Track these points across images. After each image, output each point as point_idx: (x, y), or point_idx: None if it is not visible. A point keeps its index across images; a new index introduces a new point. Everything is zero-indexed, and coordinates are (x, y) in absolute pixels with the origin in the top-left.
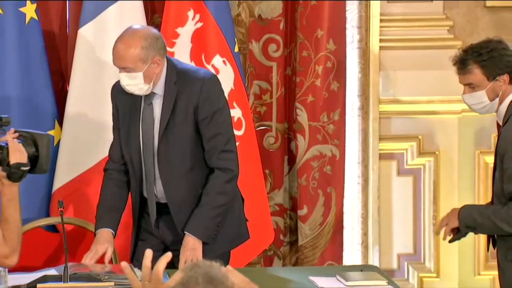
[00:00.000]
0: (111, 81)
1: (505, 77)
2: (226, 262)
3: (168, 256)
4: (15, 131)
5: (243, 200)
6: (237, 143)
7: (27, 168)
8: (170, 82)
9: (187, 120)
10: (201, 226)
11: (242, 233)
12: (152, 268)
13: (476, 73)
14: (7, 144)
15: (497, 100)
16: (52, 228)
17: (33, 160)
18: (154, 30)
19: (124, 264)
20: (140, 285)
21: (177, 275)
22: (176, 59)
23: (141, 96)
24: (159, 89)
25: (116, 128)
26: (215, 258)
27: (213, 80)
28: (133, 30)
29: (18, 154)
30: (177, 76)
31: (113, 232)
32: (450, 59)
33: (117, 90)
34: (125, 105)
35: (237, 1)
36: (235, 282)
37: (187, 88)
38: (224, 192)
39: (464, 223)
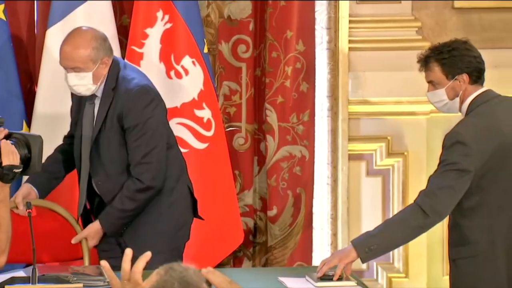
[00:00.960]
0: None
1: (465, 76)
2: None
3: (147, 255)
4: (9, 133)
5: (195, 201)
6: (206, 144)
7: (20, 170)
8: (109, 86)
9: (113, 127)
10: (108, 221)
11: (181, 235)
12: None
13: (436, 71)
14: None
15: (457, 99)
16: None
17: (26, 161)
18: (100, 31)
19: (103, 263)
20: (120, 284)
21: (153, 277)
22: (126, 61)
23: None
24: (99, 91)
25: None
26: (154, 255)
27: (140, 93)
28: (82, 31)
29: (10, 156)
30: (116, 82)
31: (35, 190)
32: (416, 57)
33: None
34: (77, 101)
35: (206, 2)
36: (216, 282)
37: (119, 97)
38: (134, 199)
39: (362, 248)
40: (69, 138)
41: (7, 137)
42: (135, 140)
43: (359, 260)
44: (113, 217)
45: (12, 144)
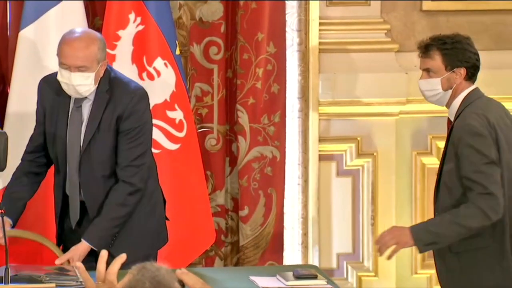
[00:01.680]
0: None
1: (462, 70)
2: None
3: (122, 257)
4: None
5: (165, 202)
6: (178, 145)
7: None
8: (102, 89)
9: (110, 129)
10: (96, 235)
11: (162, 237)
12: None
13: (437, 59)
14: None
15: (450, 92)
16: None
17: None
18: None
19: (78, 264)
20: (94, 285)
21: (126, 277)
22: (108, 64)
23: (69, 97)
24: (92, 93)
25: (40, 124)
26: (138, 261)
27: (143, 96)
28: (88, 31)
29: None
30: (109, 84)
31: (11, 222)
32: (417, 44)
33: (47, 88)
34: (53, 104)
35: (178, 4)
36: (189, 284)
37: (117, 99)
38: (125, 204)
39: (422, 243)
40: (32, 154)
41: None
42: (130, 143)
43: (331, 260)
44: (102, 230)
45: None
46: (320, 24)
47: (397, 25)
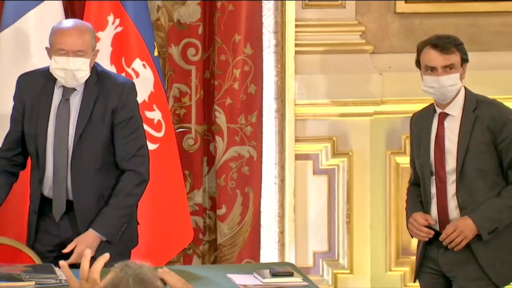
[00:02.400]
0: None
1: (466, 65)
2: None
3: (105, 256)
4: None
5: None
6: (157, 145)
7: None
8: (91, 81)
9: (104, 122)
10: (106, 224)
11: (134, 237)
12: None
13: (457, 55)
14: None
15: (460, 86)
16: None
17: None
18: None
19: (62, 263)
20: (78, 284)
21: (109, 275)
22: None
23: (52, 90)
24: (81, 85)
25: (16, 121)
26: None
27: (133, 88)
28: (80, 21)
29: None
30: (98, 77)
31: None
32: (428, 42)
33: (27, 83)
34: (34, 100)
35: (156, 6)
36: (171, 282)
37: (107, 91)
38: (133, 194)
39: (486, 231)
40: (8, 152)
41: None
42: (131, 133)
43: (307, 258)
44: (112, 219)
45: None
46: (296, 26)
47: (372, 27)
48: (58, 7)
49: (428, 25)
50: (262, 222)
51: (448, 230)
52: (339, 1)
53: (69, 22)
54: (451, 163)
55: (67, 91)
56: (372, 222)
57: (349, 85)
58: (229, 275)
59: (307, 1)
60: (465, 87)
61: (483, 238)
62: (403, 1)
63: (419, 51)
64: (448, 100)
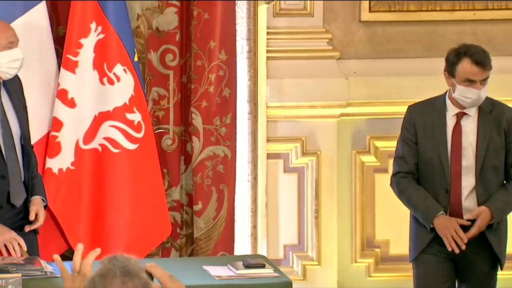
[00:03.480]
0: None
1: None
2: None
3: (97, 251)
4: None
5: None
6: (137, 145)
7: None
8: None
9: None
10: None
11: None
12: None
13: (489, 72)
14: None
15: None
16: None
17: None
18: None
19: (55, 256)
20: (70, 276)
21: (98, 267)
22: None
23: None
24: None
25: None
26: None
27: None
28: None
29: None
30: None
31: None
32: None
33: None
34: None
35: (136, 14)
36: (157, 276)
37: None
38: None
39: (497, 222)
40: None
41: None
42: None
43: (278, 250)
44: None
45: None
46: (268, 33)
47: (338, 34)
48: (44, 15)
49: (390, 33)
50: (236, 217)
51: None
52: (308, 10)
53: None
54: (468, 159)
55: (4, 82)
56: (339, 217)
57: (317, 89)
58: (205, 267)
59: (278, 10)
60: None
61: (492, 227)
62: (367, 11)
63: (454, 61)
64: (472, 106)
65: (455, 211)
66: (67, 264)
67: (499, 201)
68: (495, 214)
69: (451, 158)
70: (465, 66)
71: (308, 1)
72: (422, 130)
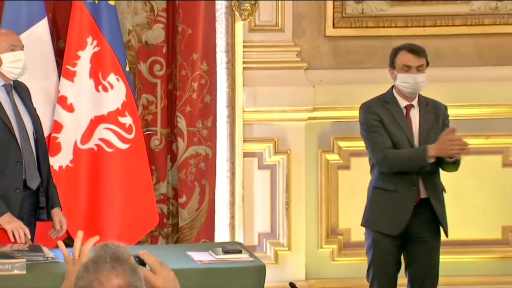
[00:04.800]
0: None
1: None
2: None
3: (95, 238)
4: None
5: None
6: (128, 145)
7: None
8: None
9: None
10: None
11: None
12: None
13: (424, 58)
14: None
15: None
16: None
17: None
18: None
19: (59, 243)
20: (71, 260)
21: (91, 254)
22: None
23: None
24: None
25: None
26: None
27: None
28: None
29: None
30: None
31: None
32: (407, 47)
33: None
34: None
35: (128, 30)
36: (149, 262)
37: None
38: None
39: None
40: None
41: None
42: None
43: (253, 238)
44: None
45: None
46: (244, 46)
47: (306, 47)
48: (46, 30)
49: (351, 47)
50: (216, 209)
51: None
52: (279, 26)
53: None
54: (415, 140)
55: (10, 86)
56: (307, 208)
57: (287, 96)
58: (189, 253)
59: (252, 26)
60: None
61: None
62: (332, 27)
63: (394, 54)
64: (416, 94)
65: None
66: (69, 250)
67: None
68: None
69: (409, 140)
70: (402, 55)
71: (279, 19)
72: (386, 118)
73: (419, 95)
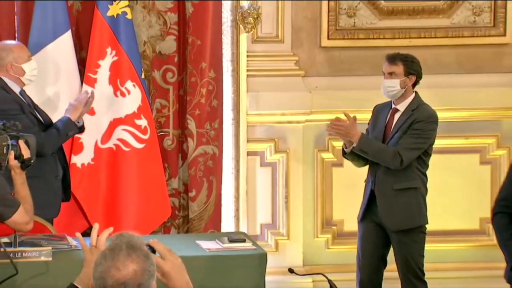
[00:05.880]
0: (56, 114)
1: (413, 77)
2: None
3: (109, 229)
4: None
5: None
6: (144, 145)
7: (33, 161)
8: None
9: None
10: None
11: (53, 210)
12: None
13: (400, 66)
14: (18, 143)
15: (402, 91)
16: None
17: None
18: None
19: (77, 234)
20: (89, 249)
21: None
22: None
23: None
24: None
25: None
26: None
27: None
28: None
29: (26, 151)
30: None
31: None
32: (384, 56)
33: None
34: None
35: (143, 41)
36: (159, 249)
37: None
38: None
39: (360, 147)
40: None
41: (14, 137)
42: None
43: (255, 228)
44: None
45: (25, 143)
46: (248, 56)
47: (303, 57)
48: (69, 41)
49: (344, 56)
50: (222, 202)
51: (342, 122)
52: (279, 38)
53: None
54: (386, 141)
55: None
56: (304, 202)
57: (287, 100)
58: (198, 241)
59: (255, 38)
60: (416, 93)
61: (354, 148)
62: (326, 38)
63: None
64: (390, 97)
65: None
66: (86, 240)
67: (376, 142)
68: (362, 139)
69: (384, 138)
70: (384, 62)
71: (280, 31)
72: (378, 118)
73: (414, 100)
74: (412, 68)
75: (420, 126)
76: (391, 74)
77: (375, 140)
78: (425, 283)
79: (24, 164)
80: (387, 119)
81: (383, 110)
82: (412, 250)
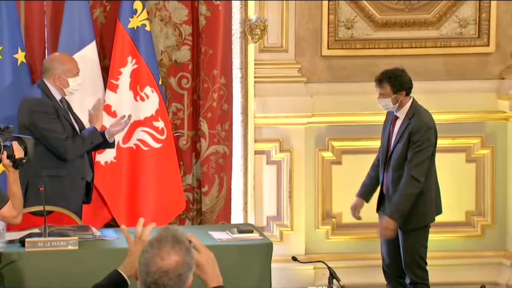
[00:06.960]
0: (81, 115)
1: (403, 92)
2: None
3: (153, 224)
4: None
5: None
6: (161, 144)
7: (25, 161)
8: None
9: None
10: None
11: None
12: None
13: (386, 88)
14: (11, 144)
15: (397, 104)
16: None
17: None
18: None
19: (123, 227)
20: (133, 241)
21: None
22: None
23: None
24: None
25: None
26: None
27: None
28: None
29: (19, 152)
30: None
31: None
32: (374, 78)
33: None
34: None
35: (161, 51)
36: (195, 243)
37: None
38: None
39: (400, 219)
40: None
41: (12, 138)
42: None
43: (262, 220)
44: None
45: (19, 144)
46: (255, 64)
47: (305, 65)
48: (93, 51)
49: (343, 64)
50: (232, 196)
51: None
52: (284, 48)
53: (63, 54)
54: (391, 147)
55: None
56: (306, 196)
57: (290, 104)
58: (210, 232)
59: (262, 47)
60: (413, 99)
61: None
62: (327, 48)
63: None
64: (386, 110)
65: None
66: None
67: (393, 201)
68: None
69: (387, 145)
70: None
71: (284, 41)
72: (384, 123)
73: (412, 107)
74: (398, 86)
75: (418, 137)
76: (382, 95)
77: (396, 203)
78: (426, 271)
79: (16, 163)
80: (390, 127)
81: (390, 116)
82: (416, 242)
